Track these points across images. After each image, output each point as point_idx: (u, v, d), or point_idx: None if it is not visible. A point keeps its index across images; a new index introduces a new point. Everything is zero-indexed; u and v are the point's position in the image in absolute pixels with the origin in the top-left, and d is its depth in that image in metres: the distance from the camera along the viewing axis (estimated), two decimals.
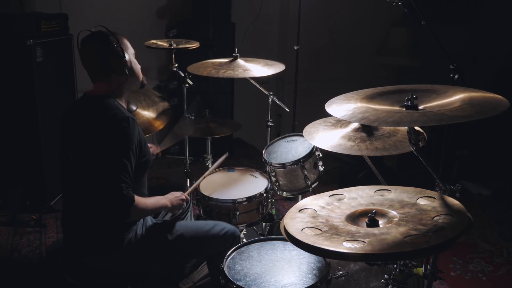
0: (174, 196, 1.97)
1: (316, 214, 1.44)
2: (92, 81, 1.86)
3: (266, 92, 2.81)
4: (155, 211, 1.95)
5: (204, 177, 2.41)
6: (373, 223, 1.33)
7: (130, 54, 1.87)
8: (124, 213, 1.66)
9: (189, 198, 2.08)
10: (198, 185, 2.38)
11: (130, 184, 1.68)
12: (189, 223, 2.12)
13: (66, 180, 1.86)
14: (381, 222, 1.34)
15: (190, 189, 2.23)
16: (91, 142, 1.74)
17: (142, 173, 1.89)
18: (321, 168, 2.44)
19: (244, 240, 2.14)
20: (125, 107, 1.90)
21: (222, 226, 2.04)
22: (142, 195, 1.88)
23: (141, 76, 1.96)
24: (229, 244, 1.98)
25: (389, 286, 1.45)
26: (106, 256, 1.80)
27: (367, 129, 1.88)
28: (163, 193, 2.15)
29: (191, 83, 2.92)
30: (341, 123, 1.98)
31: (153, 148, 2.33)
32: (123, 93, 1.88)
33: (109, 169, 1.66)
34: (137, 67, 1.93)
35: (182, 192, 2.02)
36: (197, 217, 2.66)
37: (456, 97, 1.40)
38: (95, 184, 1.71)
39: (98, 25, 1.84)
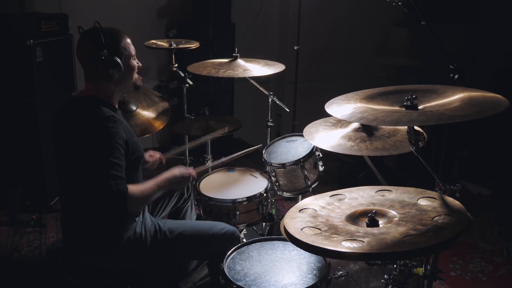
0: (182, 168, 1.94)
1: (316, 214, 1.44)
2: (84, 80, 1.84)
3: (266, 92, 2.81)
4: (158, 192, 1.83)
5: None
6: (373, 223, 1.33)
7: (125, 57, 1.81)
8: (121, 208, 1.64)
9: (195, 176, 2.02)
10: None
11: (121, 177, 1.65)
12: (188, 223, 2.12)
13: (61, 180, 1.85)
14: (381, 222, 1.34)
15: (200, 169, 2.15)
16: (75, 144, 1.72)
17: (132, 170, 1.85)
18: (321, 168, 2.44)
19: (244, 240, 2.14)
20: (116, 106, 1.87)
21: (222, 226, 2.03)
22: None
23: (134, 77, 1.90)
24: (229, 244, 1.98)
25: (389, 286, 1.46)
26: (105, 254, 1.80)
27: (367, 129, 1.88)
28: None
29: (191, 83, 2.93)
30: (341, 123, 1.98)
31: (156, 155, 2.30)
32: (112, 95, 1.83)
33: (95, 170, 1.64)
34: (131, 70, 1.87)
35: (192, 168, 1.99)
36: (197, 217, 2.66)
37: (456, 97, 1.40)
38: (85, 185, 1.70)
39: (95, 21, 1.79)
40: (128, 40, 1.85)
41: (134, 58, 1.88)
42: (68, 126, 1.77)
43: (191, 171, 1.98)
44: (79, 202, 1.79)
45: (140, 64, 1.92)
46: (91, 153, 1.66)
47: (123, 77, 1.82)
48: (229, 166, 2.70)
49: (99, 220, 1.77)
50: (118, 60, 1.77)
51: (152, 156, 2.29)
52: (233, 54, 2.69)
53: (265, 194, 2.38)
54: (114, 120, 1.71)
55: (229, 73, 2.54)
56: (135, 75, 1.90)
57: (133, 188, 1.69)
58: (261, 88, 2.82)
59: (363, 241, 1.21)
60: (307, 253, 1.72)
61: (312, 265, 1.70)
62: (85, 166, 1.68)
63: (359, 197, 1.52)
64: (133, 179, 1.87)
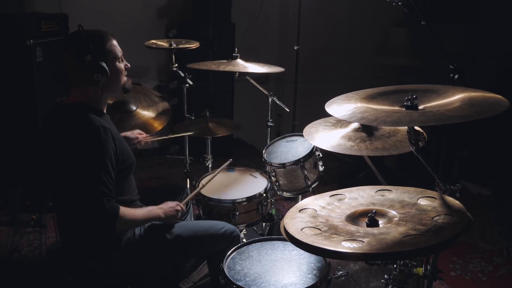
0: (168, 207, 1.90)
1: (316, 214, 1.44)
2: (69, 85, 1.78)
3: (266, 92, 2.81)
4: (147, 222, 1.87)
5: (203, 186, 2.31)
6: (373, 223, 1.33)
7: (111, 59, 1.75)
8: (109, 227, 1.64)
9: (184, 209, 1.99)
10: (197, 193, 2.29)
11: (112, 195, 1.63)
12: (188, 223, 2.11)
13: (52, 187, 1.81)
14: (381, 222, 1.34)
15: (186, 199, 2.14)
16: (67, 155, 1.67)
17: (124, 178, 1.82)
18: (321, 168, 2.44)
19: (244, 240, 2.14)
20: (104, 111, 1.82)
21: (221, 225, 2.03)
22: (128, 201, 1.84)
23: (123, 80, 1.84)
24: (229, 243, 1.97)
25: (389, 286, 1.46)
26: (105, 257, 1.79)
27: (367, 129, 1.88)
28: (163, 193, 2.13)
29: (191, 83, 2.93)
30: (341, 123, 1.98)
31: (142, 136, 2.26)
32: (100, 100, 1.78)
33: (87, 184, 1.61)
34: (119, 73, 1.80)
35: (177, 202, 1.95)
36: (197, 217, 2.66)
37: (456, 97, 1.40)
38: (75, 199, 1.67)
39: (79, 24, 1.72)
40: (114, 42, 1.78)
41: (121, 60, 1.82)
42: (57, 135, 1.72)
43: (179, 208, 1.93)
44: (73, 209, 1.76)
45: (128, 65, 1.86)
46: (84, 168, 1.63)
47: (110, 81, 1.75)
48: (229, 166, 2.70)
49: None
50: (104, 64, 1.71)
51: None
52: (233, 54, 2.69)
53: (264, 194, 2.38)
54: (105, 131, 1.67)
55: (229, 68, 2.54)
56: (124, 78, 1.84)
57: (125, 210, 1.68)
58: (261, 88, 2.82)
59: (363, 241, 1.21)
60: (307, 253, 1.72)
61: (312, 265, 1.70)
62: (76, 180, 1.64)
63: (359, 197, 1.52)
64: (124, 187, 1.85)
